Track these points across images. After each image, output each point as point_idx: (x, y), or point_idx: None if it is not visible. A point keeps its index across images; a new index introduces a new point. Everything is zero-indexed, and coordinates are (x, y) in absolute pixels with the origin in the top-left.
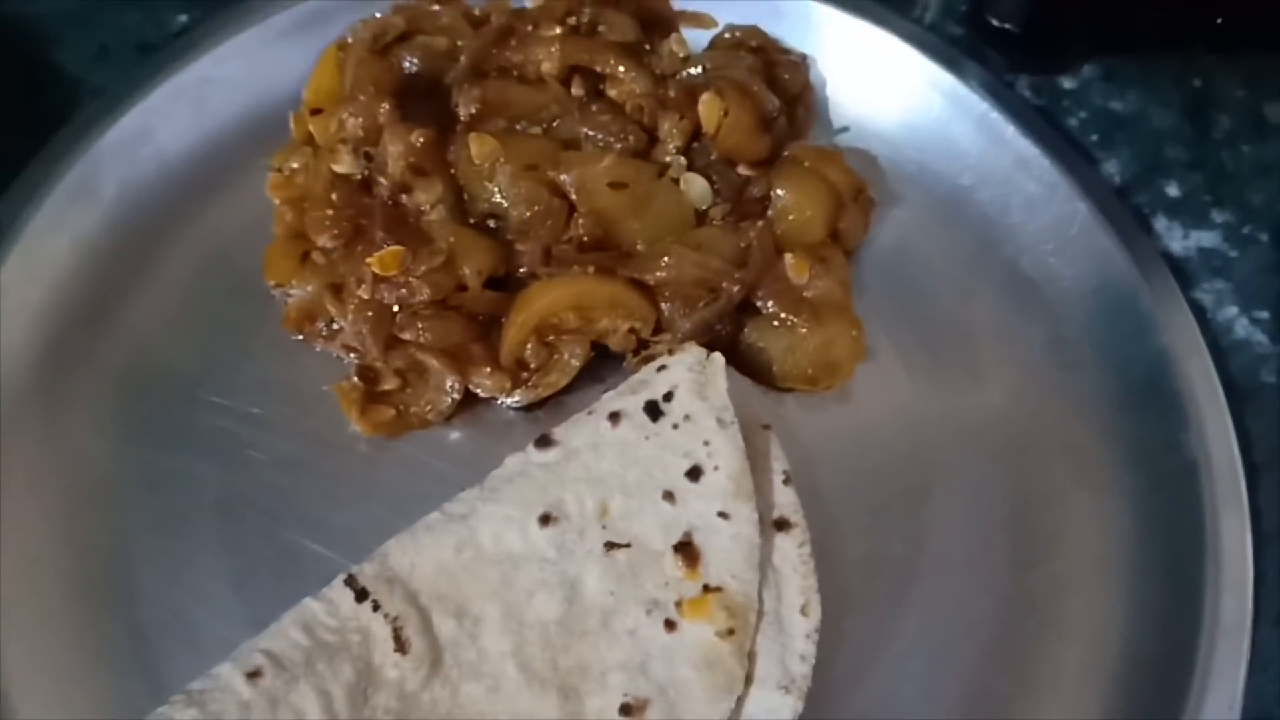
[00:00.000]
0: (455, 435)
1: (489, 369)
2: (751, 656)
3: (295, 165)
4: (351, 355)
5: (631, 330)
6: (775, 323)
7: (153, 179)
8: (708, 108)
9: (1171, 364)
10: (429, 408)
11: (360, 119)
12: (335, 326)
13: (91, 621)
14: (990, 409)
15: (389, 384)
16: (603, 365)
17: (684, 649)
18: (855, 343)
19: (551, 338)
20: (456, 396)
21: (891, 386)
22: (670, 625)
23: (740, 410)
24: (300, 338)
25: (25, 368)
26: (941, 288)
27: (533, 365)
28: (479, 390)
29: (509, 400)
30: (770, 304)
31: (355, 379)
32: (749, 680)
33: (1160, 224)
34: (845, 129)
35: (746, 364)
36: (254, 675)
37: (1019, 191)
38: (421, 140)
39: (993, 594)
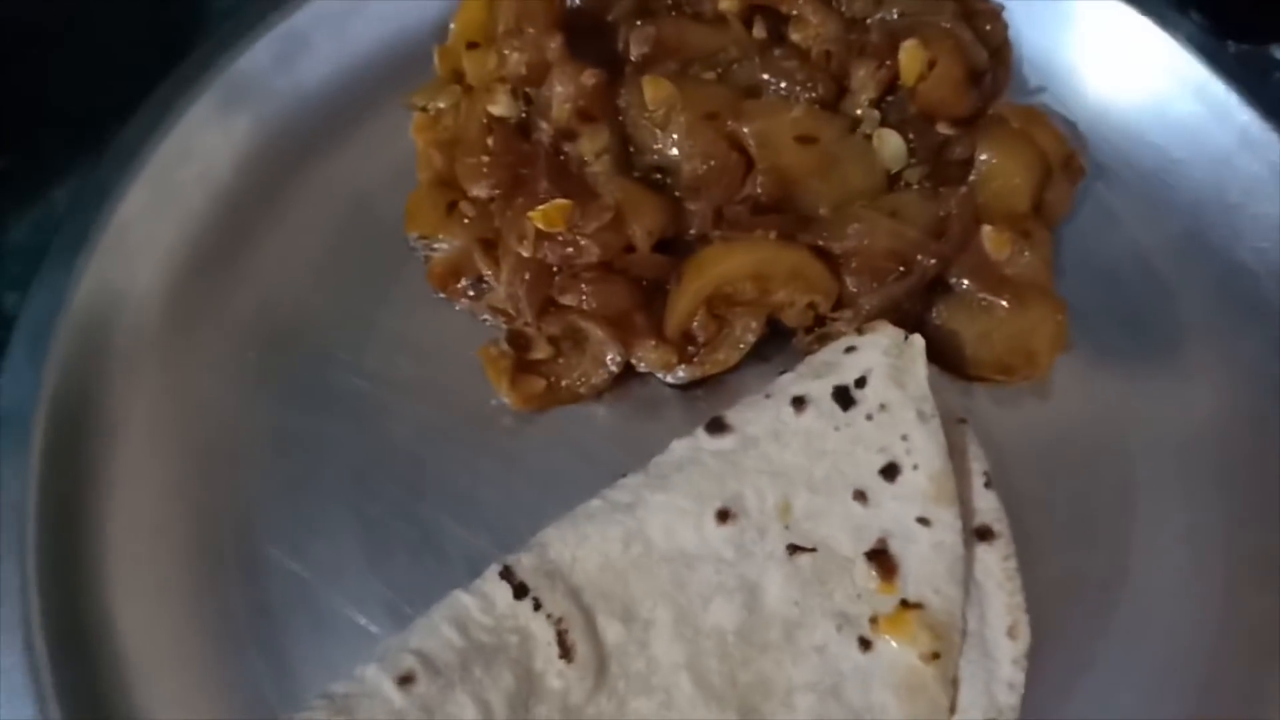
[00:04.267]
0: (603, 411)
1: (653, 341)
2: (954, 683)
3: (442, 104)
4: (499, 318)
5: (810, 305)
6: (971, 303)
7: (288, 112)
8: (910, 57)
9: None
10: (582, 380)
11: (526, 55)
12: (484, 285)
13: (212, 593)
14: (1203, 414)
15: (541, 353)
16: (765, 341)
17: (881, 672)
18: (1058, 329)
19: (722, 309)
20: (616, 370)
21: (1093, 383)
22: (865, 644)
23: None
24: (442, 295)
25: (149, 312)
26: (1148, 273)
27: (700, 339)
28: (640, 364)
29: (668, 376)
30: (966, 282)
31: (505, 345)
32: (950, 709)
33: None
34: (1042, 89)
35: (933, 348)
36: (406, 680)
37: (1239, 171)
38: (593, 81)
39: (1206, 622)
